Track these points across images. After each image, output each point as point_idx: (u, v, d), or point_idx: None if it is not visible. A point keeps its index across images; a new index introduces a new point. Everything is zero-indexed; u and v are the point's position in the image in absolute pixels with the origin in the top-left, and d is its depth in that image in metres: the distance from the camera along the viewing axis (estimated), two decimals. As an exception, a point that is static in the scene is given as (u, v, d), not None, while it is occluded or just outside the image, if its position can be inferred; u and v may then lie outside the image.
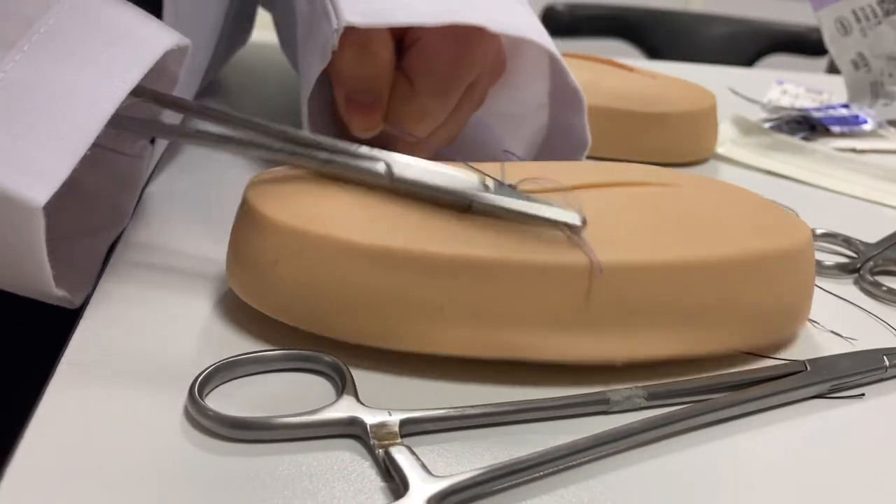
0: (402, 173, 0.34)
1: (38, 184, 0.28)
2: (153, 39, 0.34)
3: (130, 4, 0.34)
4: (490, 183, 0.34)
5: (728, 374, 0.34)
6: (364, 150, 0.35)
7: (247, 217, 0.35)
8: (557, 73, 0.47)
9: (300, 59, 0.49)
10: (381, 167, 0.34)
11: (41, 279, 0.31)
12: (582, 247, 0.32)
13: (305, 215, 0.33)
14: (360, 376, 0.32)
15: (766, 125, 0.70)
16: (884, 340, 0.39)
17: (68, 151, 0.29)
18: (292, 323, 0.34)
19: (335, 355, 0.32)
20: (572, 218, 0.33)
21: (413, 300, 0.32)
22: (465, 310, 0.32)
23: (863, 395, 0.35)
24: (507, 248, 0.32)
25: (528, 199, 0.33)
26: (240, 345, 0.34)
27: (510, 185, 0.34)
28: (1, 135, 0.28)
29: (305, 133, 0.35)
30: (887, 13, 0.75)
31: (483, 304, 0.32)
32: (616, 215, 0.35)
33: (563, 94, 0.47)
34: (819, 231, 0.49)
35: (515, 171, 0.37)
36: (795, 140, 0.66)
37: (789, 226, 0.38)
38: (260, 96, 0.69)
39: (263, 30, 0.73)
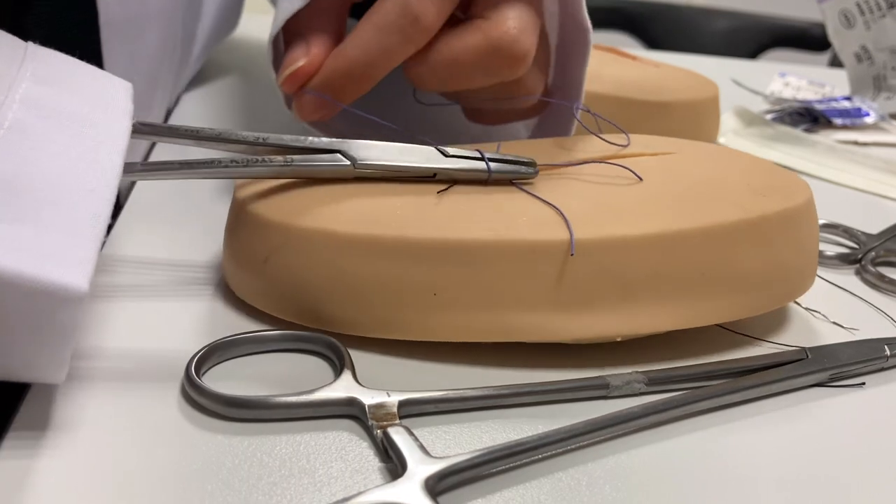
0: (364, 158, 0.34)
1: (77, 271, 0.25)
2: (116, 90, 0.31)
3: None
4: (449, 150, 0.35)
5: (728, 360, 0.34)
6: (317, 140, 0.34)
7: (236, 215, 0.35)
8: (569, 3, 0.41)
9: None
10: (339, 158, 0.33)
11: (50, 366, 0.26)
12: (534, 195, 0.33)
13: (292, 210, 0.33)
14: (359, 357, 0.31)
15: (769, 116, 0.70)
16: (884, 330, 0.39)
17: (91, 237, 0.26)
18: (287, 318, 0.33)
19: (333, 336, 0.32)
20: (529, 164, 0.35)
21: (405, 288, 0.32)
22: (459, 294, 0.32)
23: (863, 384, 0.35)
24: (496, 228, 0.32)
25: (491, 157, 0.35)
26: (238, 325, 0.33)
27: (480, 154, 0.35)
28: (19, 226, 0.25)
29: (252, 134, 0.33)
30: (891, 6, 0.74)
31: (476, 287, 0.32)
32: (609, 189, 0.35)
33: (569, 33, 0.42)
34: (821, 222, 0.49)
35: (511, 149, 0.37)
36: (797, 131, 0.66)
37: (789, 186, 0.37)
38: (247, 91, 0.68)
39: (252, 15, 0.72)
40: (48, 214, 0.26)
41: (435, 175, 0.34)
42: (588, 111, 0.41)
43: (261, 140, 0.33)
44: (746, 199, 0.35)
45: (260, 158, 0.33)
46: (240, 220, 0.34)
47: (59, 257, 0.25)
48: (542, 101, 0.42)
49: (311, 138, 0.34)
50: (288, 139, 0.33)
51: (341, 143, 0.34)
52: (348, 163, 0.33)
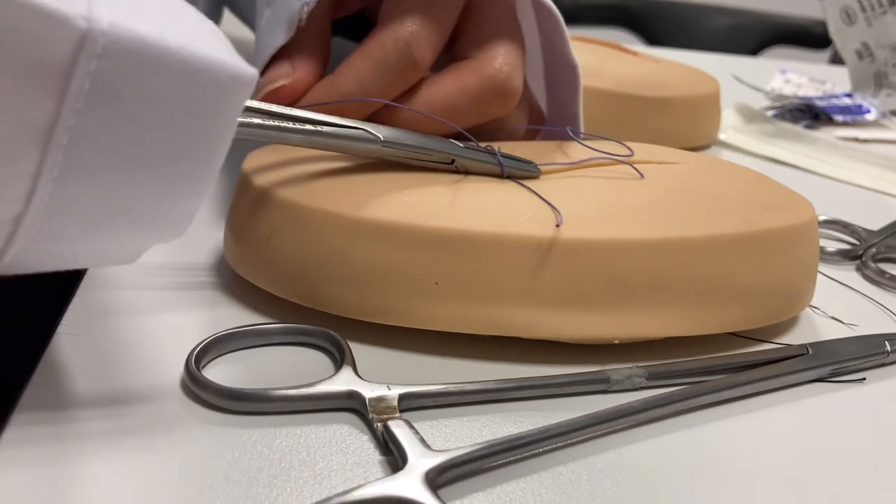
0: (388, 137, 0.34)
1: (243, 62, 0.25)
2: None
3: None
4: (459, 143, 0.36)
5: (729, 356, 0.34)
6: (344, 121, 0.34)
7: (243, 190, 0.35)
8: (554, 40, 0.42)
9: (257, 22, 0.41)
10: (366, 133, 0.34)
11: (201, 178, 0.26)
12: (535, 192, 0.34)
13: (301, 189, 0.33)
14: (359, 350, 0.31)
15: (769, 113, 0.70)
16: (885, 326, 0.39)
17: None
18: (286, 297, 0.33)
19: (334, 329, 0.32)
20: (531, 163, 0.36)
21: (407, 274, 0.32)
22: (460, 284, 0.32)
23: (864, 379, 0.35)
24: (500, 222, 0.32)
25: (502, 154, 0.36)
26: (238, 318, 0.33)
27: (488, 149, 0.36)
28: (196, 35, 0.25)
29: (284, 108, 0.33)
30: (893, 3, 0.74)
31: (477, 279, 0.32)
32: (614, 192, 0.35)
33: (559, 69, 0.43)
34: (821, 218, 0.49)
35: (518, 151, 0.37)
36: (798, 128, 0.66)
37: (793, 204, 0.38)
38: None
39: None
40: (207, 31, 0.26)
41: (453, 161, 0.35)
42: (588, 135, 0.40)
43: (285, 113, 0.33)
44: (751, 212, 0.35)
45: (289, 123, 0.32)
46: (246, 195, 0.34)
47: (229, 51, 0.25)
48: (529, 130, 0.42)
49: (336, 118, 0.34)
50: (314, 115, 0.33)
51: (365, 125, 0.34)
52: (376, 138, 0.34)
